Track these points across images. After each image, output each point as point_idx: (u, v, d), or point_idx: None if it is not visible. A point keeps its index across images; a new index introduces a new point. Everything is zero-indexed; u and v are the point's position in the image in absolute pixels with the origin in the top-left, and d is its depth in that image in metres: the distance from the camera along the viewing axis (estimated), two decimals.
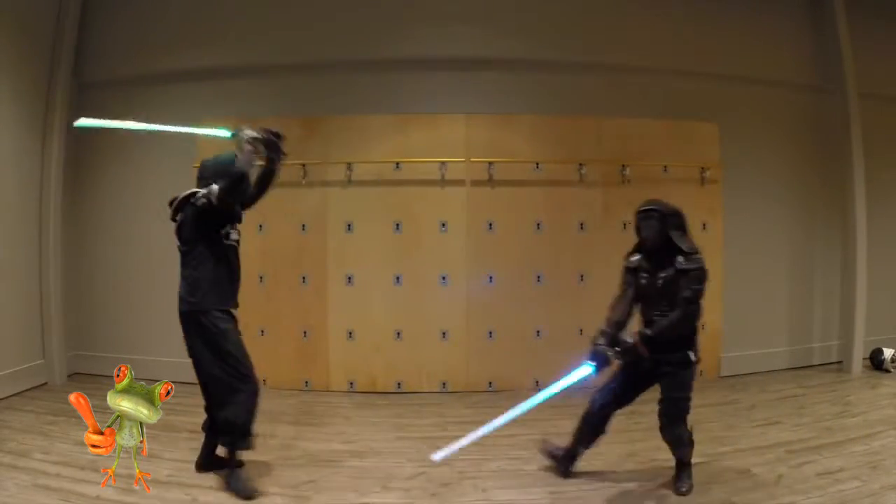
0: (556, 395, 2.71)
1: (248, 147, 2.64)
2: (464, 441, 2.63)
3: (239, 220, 2.89)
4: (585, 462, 3.06)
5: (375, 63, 4.54)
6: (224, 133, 2.75)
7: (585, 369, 2.71)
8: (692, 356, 2.66)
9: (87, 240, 4.82)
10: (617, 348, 2.64)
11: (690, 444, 2.73)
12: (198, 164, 4.49)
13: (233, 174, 2.62)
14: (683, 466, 2.76)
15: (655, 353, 2.62)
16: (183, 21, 4.64)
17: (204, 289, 2.72)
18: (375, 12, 4.53)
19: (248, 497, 2.65)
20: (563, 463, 2.94)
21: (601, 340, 2.70)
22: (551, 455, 2.98)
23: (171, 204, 2.82)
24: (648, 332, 2.62)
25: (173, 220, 2.82)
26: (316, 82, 4.59)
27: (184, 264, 2.78)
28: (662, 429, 2.71)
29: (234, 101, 4.61)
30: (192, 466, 2.93)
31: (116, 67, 4.73)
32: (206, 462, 2.90)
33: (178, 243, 2.81)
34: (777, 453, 3.12)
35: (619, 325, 2.74)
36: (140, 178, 4.69)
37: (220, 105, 4.61)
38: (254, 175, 2.84)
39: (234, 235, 2.86)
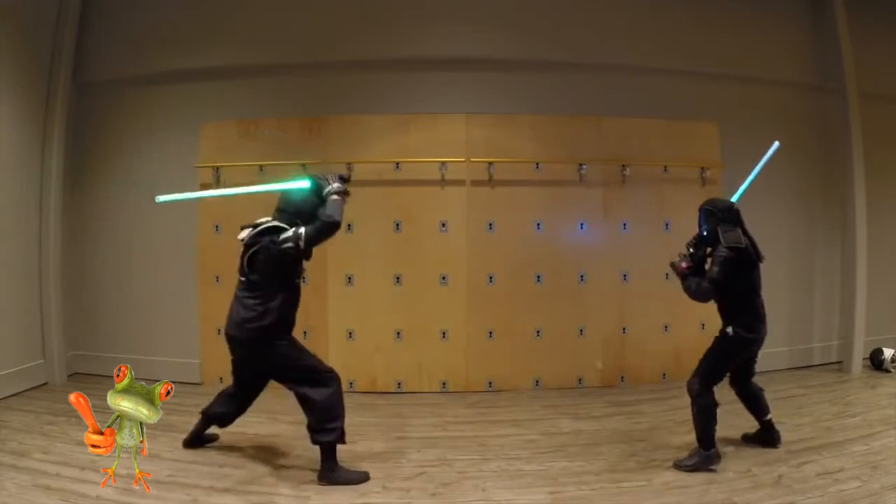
0: None
1: (337, 199, 2.80)
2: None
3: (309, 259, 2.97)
4: (585, 461, 3.07)
5: (375, 63, 4.54)
6: (304, 184, 2.86)
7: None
8: (729, 330, 3.04)
9: (87, 240, 4.82)
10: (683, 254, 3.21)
11: (699, 403, 2.95)
12: (198, 165, 4.56)
13: (328, 224, 2.76)
14: (697, 441, 2.97)
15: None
16: (183, 21, 4.64)
17: (270, 321, 2.81)
18: (375, 13, 4.53)
19: (365, 479, 2.86)
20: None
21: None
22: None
23: (244, 227, 2.87)
24: (686, 270, 3.10)
25: (243, 241, 2.86)
26: (316, 82, 4.59)
27: (250, 294, 2.83)
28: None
29: (234, 101, 4.62)
30: (192, 466, 2.95)
31: (116, 67, 4.72)
32: (194, 441, 3.19)
33: (243, 268, 2.86)
34: (777, 453, 3.12)
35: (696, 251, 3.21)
36: (141, 178, 4.69)
37: (221, 105, 4.62)
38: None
39: (303, 275, 2.98)
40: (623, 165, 4.56)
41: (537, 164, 4.51)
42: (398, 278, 4.48)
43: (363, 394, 4.40)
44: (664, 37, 4.71)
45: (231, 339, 2.90)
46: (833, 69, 4.95)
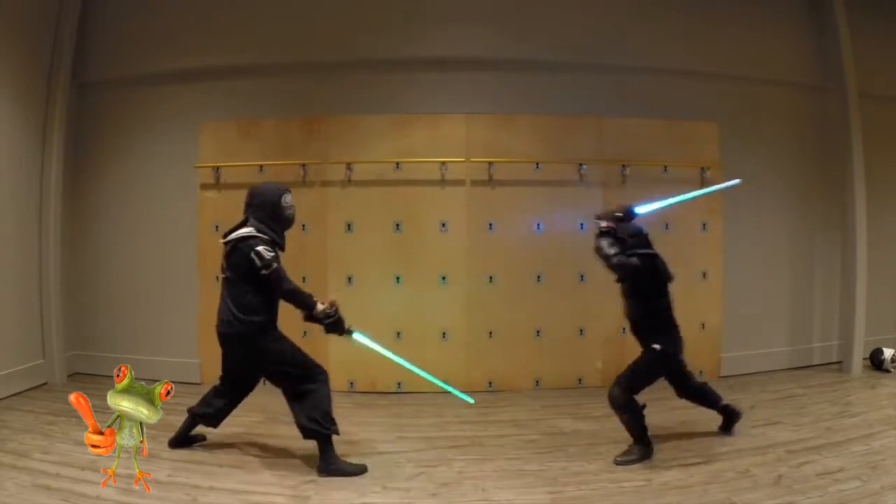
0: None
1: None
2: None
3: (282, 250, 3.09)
4: (585, 461, 3.07)
5: (375, 63, 4.54)
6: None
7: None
8: (657, 346, 3.13)
9: (86, 240, 4.82)
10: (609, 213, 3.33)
11: (628, 411, 3.07)
12: (198, 165, 4.56)
13: (283, 291, 2.97)
14: (633, 440, 3.10)
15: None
16: (183, 21, 4.63)
17: (257, 316, 2.93)
18: (375, 12, 4.52)
19: (363, 471, 2.93)
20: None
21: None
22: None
23: (225, 236, 3.00)
24: (608, 230, 3.27)
25: (225, 243, 2.99)
26: (316, 82, 4.59)
27: (233, 292, 2.96)
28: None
29: (234, 101, 4.62)
30: (192, 466, 2.95)
31: (116, 67, 4.72)
32: (181, 441, 3.18)
33: (224, 266, 2.99)
34: (777, 453, 3.12)
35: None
36: (140, 178, 4.69)
37: (221, 105, 4.62)
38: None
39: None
40: (623, 165, 4.55)
41: (537, 163, 4.51)
42: (398, 278, 4.47)
43: (363, 394, 4.40)
44: (664, 36, 4.70)
45: (222, 337, 2.98)
46: (833, 69, 4.95)
